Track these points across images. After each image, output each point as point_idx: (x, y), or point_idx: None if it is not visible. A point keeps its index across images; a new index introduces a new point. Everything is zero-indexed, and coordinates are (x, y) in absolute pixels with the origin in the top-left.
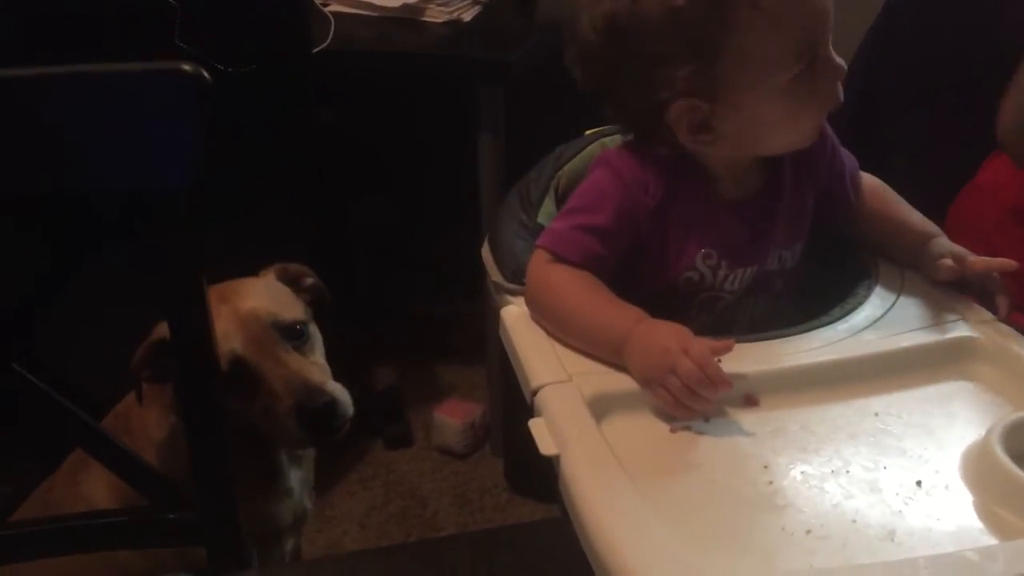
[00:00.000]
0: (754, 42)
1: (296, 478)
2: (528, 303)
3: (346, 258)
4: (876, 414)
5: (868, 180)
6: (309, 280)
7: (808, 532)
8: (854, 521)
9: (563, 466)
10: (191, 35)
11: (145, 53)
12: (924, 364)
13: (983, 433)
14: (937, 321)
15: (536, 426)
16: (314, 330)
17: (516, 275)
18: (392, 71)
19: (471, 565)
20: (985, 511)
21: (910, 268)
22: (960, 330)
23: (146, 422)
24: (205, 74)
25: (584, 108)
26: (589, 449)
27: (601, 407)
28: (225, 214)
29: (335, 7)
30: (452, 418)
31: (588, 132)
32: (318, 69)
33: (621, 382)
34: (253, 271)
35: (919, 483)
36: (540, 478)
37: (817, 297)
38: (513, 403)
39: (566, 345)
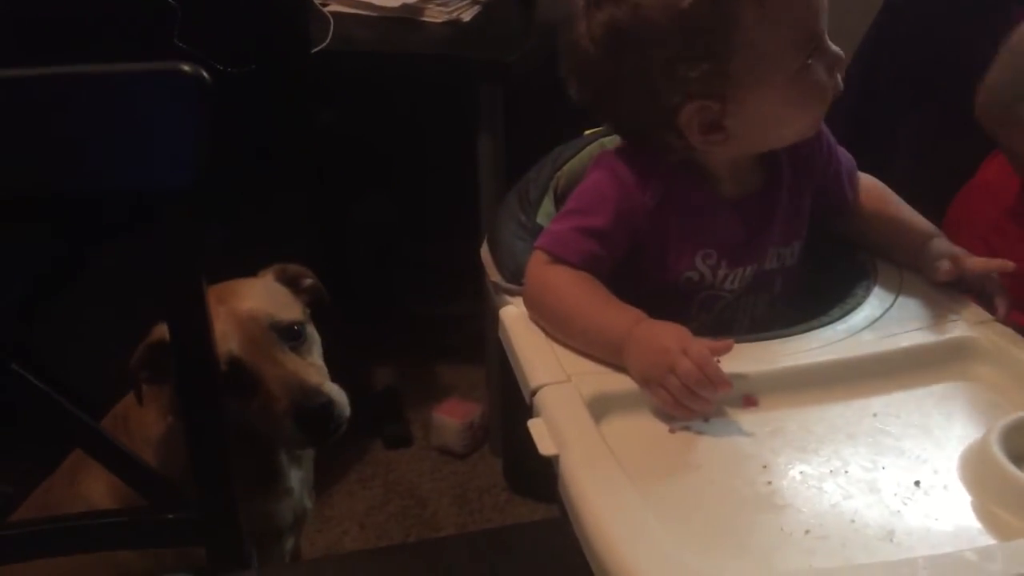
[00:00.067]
0: (762, 37)
1: (296, 478)
2: (527, 304)
3: (346, 258)
4: (875, 414)
5: (867, 180)
6: (308, 281)
7: (807, 532)
8: (853, 521)
9: (562, 466)
10: (191, 35)
11: (145, 53)
12: (923, 364)
13: (982, 433)
14: (936, 321)
15: (535, 426)
16: (312, 331)
17: (515, 275)
18: (391, 71)
19: (470, 565)
20: (983, 511)
21: (909, 268)
22: (959, 330)
23: (144, 422)
24: (204, 74)
25: (583, 108)
26: (588, 449)
27: (600, 407)
28: (225, 214)
29: (334, 7)
30: (451, 418)
31: (587, 132)
32: (317, 69)
33: (620, 382)
34: (253, 271)
35: (917, 483)
36: (539, 478)
37: (816, 297)
38: (512, 403)
39: (565, 346)
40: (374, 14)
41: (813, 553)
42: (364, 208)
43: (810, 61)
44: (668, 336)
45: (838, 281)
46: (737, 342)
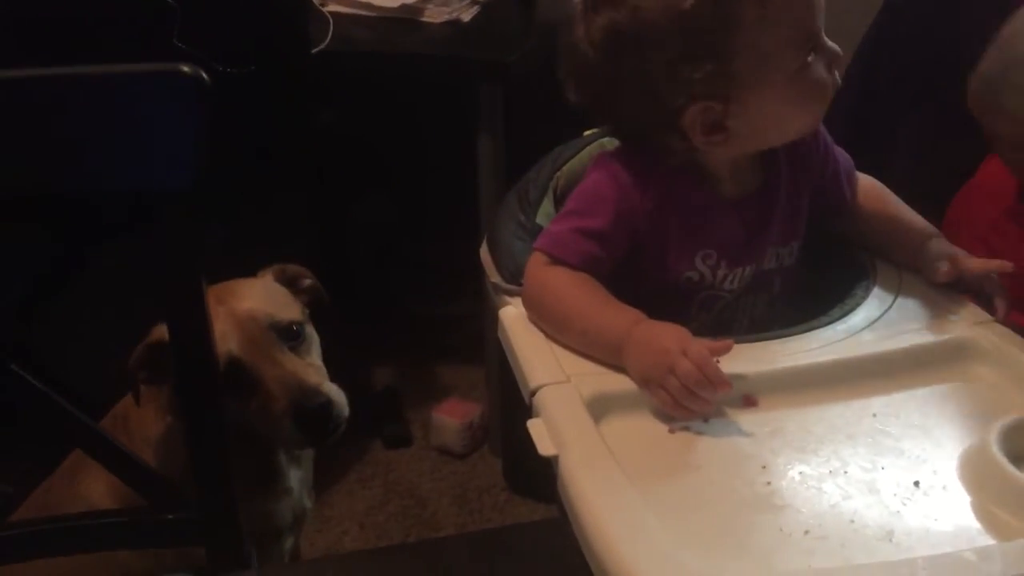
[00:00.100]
0: (764, 36)
1: (295, 478)
2: (526, 305)
3: (346, 258)
4: (874, 415)
5: (866, 181)
6: (307, 281)
7: (806, 532)
8: (852, 521)
9: (561, 466)
10: (190, 36)
11: (144, 54)
12: (922, 365)
13: (981, 434)
14: (935, 322)
15: (534, 426)
16: (311, 331)
17: (514, 276)
18: (391, 71)
19: (470, 565)
20: (982, 512)
21: (908, 269)
22: (958, 331)
23: (143, 422)
24: (204, 75)
25: (582, 111)
26: (587, 450)
27: (599, 408)
28: (225, 215)
29: (334, 7)
30: (451, 418)
31: (587, 133)
32: (317, 69)
33: (619, 383)
34: (253, 271)
35: (917, 483)
36: (539, 478)
37: (816, 297)
38: (512, 403)
39: (564, 346)
40: (373, 14)
41: (812, 553)
42: (364, 208)
43: (810, 59)
44: (667, 336)
45: (837, 281)
46: (737, 342)
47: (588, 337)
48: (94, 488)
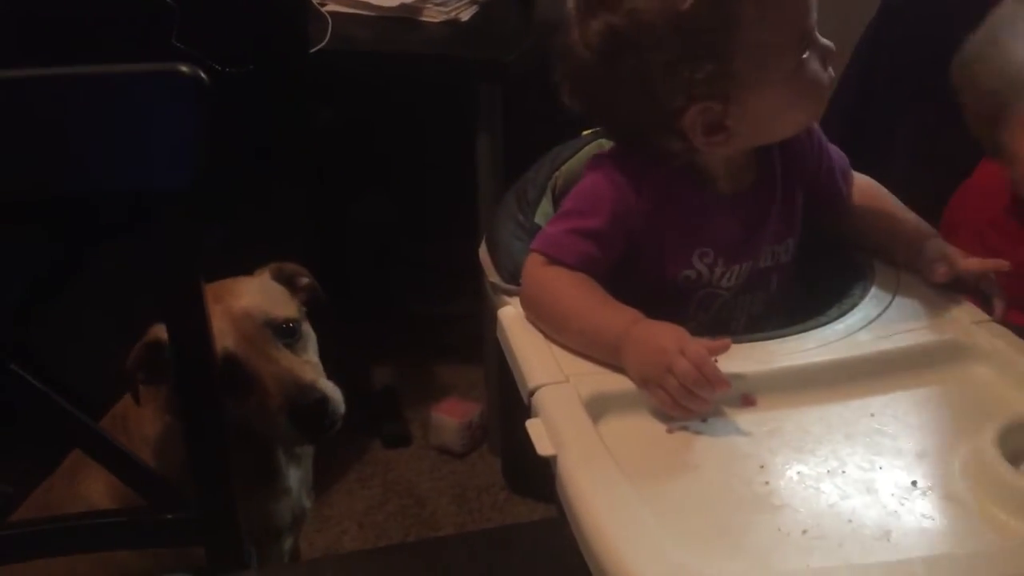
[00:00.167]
0: (762, 34)
1: (294, 477)
2: (524, 306)
3: (345, 257)
4: (872, 414)
5: (864, 181)
6: (304, 279)
7: (804, 532)
8: (850, 521)
9: (560, 466)
10: (189, 36)
11: (143, 54)
12: (920, 364)
13: (979, 434)
14: (933, 322)
15: (533, 426)
16: (307, 329)
17: (513, 276)
18: (390, 71)
19: (469, 564)
20: (980, 512)
21: (906, 268)
22: (956, 331)
23: (141, 421)
24: (202, 75)
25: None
26: (586, 449)
27: (598, 407)
28: (224, 214)
29: (332, 7)
30: (450, 417)
31: (585, 132)
32: (316, 69)
33: (618, 382)
34: (252, 270)
35: (915, 483)
36: (538, 478)
37: (814, 297)
38: (511, 403)
39: (562, 346)
40: (372, 14)
41: (810, 553)
42: (363, 208)
43: (805, 55)
44: (665, 336)
45: (835, 281)
46: (735, 342)
47: (586, 337)
48: (94, 488)
